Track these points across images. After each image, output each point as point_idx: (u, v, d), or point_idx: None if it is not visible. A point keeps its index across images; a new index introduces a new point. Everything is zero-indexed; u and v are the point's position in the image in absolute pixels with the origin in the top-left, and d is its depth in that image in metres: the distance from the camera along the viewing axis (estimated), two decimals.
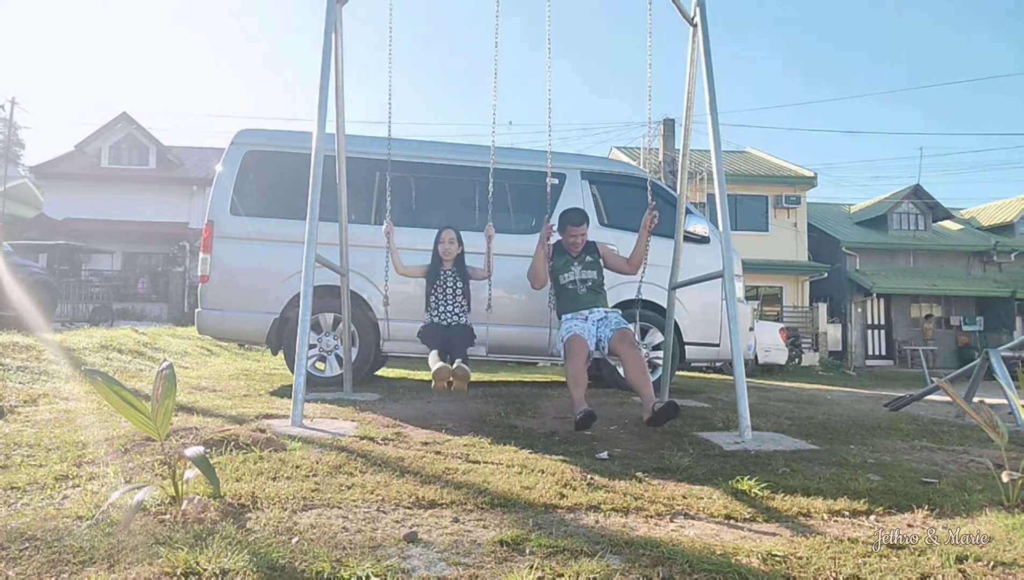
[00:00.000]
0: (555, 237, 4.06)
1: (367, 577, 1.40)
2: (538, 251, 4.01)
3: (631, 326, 3.85)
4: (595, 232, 4.87)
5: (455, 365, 3.39)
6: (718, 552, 1.62)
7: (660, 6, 3.88)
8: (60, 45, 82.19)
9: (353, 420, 3.30)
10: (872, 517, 2.03)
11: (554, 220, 4.08)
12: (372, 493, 2.01)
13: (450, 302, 4.07)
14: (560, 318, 3.99)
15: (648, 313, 5.29)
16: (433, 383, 3.40)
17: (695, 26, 3.84)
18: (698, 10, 3.80)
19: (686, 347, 5.48)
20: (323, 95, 3.49)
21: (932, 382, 4.66)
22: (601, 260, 4.09)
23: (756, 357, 11.89)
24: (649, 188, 4.22)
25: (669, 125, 16.62)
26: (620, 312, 4.00)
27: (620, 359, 3.71)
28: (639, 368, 3.54)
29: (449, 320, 4.03)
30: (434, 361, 3.47)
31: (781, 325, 14.74)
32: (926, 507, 2.10)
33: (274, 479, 2.09)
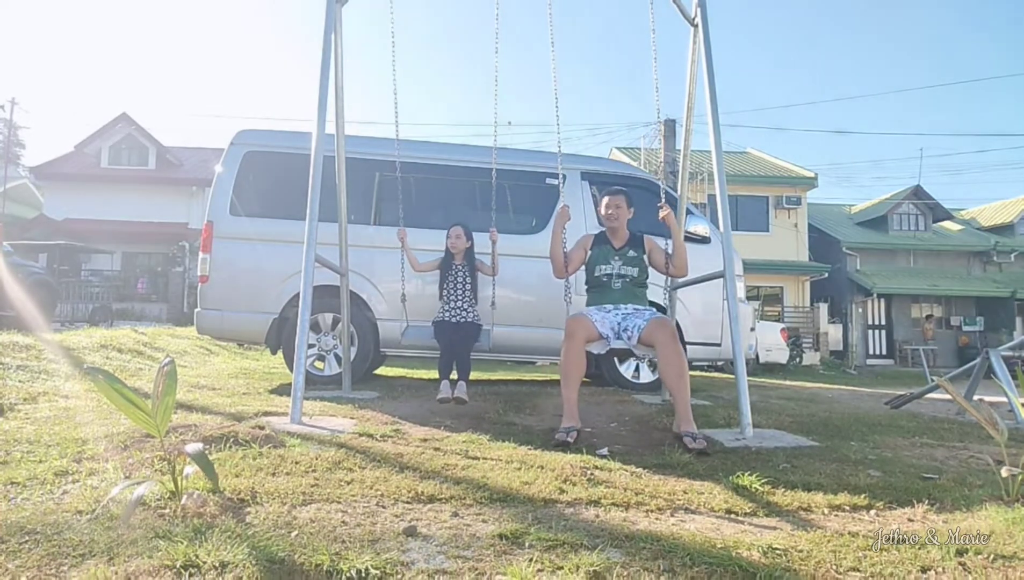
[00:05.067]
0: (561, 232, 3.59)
1: (367, 570, 1.39)
2: (555, 231, 3.55)
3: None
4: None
5: (455, 394, 3.79)
6: (719, 546, 1.62)
7: (661, 6, 3.88)
8: (60, 45, 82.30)
9: (352, 417, 3.30)
10: (872, 512, 2.03)
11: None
12: (371, 488, 2.01)
13: (459, 297, 4.27)
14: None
15: None
16: (438, 400, 3.84)
17: (696, 26, 3.84)
18: (699, 10, 3.80)
19: (688, 347, 5.47)
20: (323, 95, 3.49)
21: (932, 381, 4.66)
22: (646, 256, 3.58)
23: (757, 356, 11.88)
24: (662, 190, 4.03)
25: (670, 126, 16.60)
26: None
27: (657, 351, 3.20)
28: (678, 367, 3.07)
29: (459, 317, 4.22)
30: (442, 388, 3.87)
31: (782, 325, 14.76)
32: (926, 502, 2.10)
33: (273, 475, 2.09)
